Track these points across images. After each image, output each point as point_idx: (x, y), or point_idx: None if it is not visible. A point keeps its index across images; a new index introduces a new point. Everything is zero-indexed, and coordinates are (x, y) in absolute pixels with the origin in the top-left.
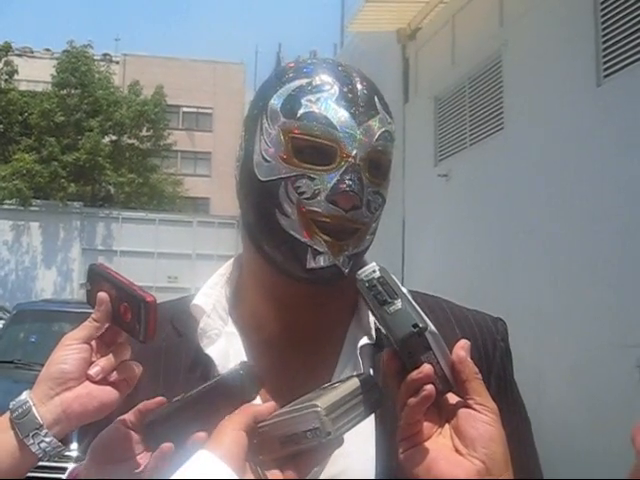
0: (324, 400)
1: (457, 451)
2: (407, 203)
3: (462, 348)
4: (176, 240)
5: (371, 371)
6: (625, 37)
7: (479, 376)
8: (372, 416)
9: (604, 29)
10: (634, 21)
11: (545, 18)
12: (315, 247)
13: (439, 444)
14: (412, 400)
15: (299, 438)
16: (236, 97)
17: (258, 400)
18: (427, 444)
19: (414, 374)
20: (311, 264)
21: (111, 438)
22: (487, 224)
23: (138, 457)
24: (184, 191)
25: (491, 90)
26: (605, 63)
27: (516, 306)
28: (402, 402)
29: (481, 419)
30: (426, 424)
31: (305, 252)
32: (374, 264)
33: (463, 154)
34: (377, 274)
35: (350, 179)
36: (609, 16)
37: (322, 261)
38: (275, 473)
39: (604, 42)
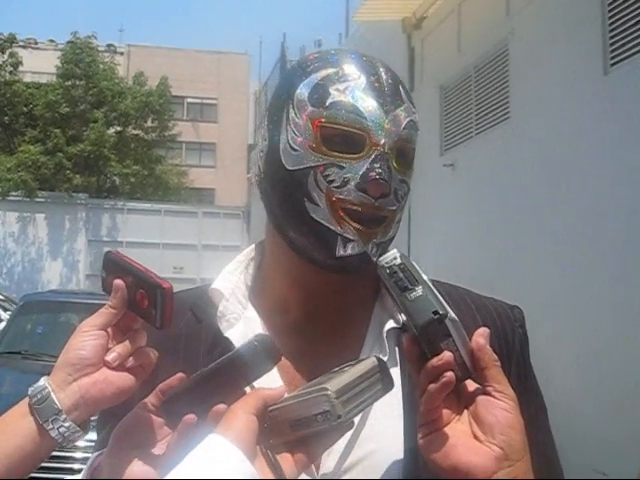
0: (334, 383)
1: (475, 437)
2: (413, 193)
3: (482, 336)
4: (181, 231)
5: (397, 353)
6: (632, 25)
7: (498, 364)
8: (400, 398)
9: (610, 17)
10: None
11: (551, 6)
12: (345, 235)
13: (457, 430)
14: (432, 386)
15: (309, 421)
16: (240, 87)
17: (281, 382)
18: (446, 430)
19: (434, 361)
20: (340, 252)
21: (133, 422)
22: (493, 213)
23: (161, 440)
24: (189, 182)
25: (497, 79)
26: (612, 52)
27: (521, 296)
28: (422, 388)
29: (500, 406)
30: (445, 410)
31: (335, 240)
32: (395, 251)
33: (469, 144)
34: (398, 260)
35: (380, 167)
36: (616, 4)
37: (351, 249)
38: (286, 456)
39: (611, 30)
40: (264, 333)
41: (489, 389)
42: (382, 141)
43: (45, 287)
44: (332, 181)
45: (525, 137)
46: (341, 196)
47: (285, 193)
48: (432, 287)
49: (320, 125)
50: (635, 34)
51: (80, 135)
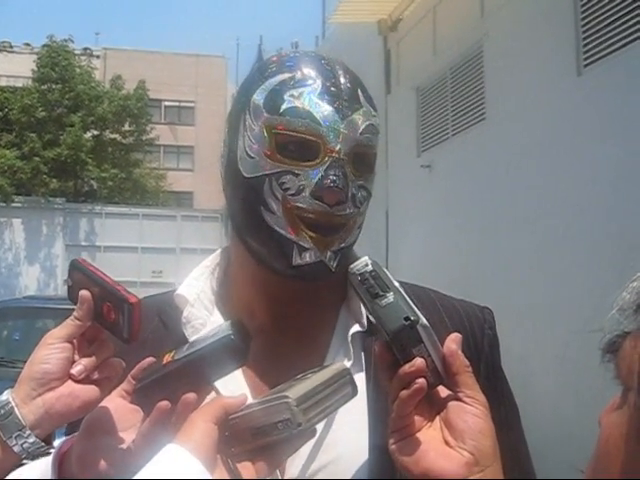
0: (295, 391)
1: (447, 443)
2: (391, 194)
3: (453, 341)
4: (160, 235)
5: (362, 358)
6: (605, 26)
7: (469, 369)
8: (365, 404)
9: (583, 18)
10: (613, 10)
11: (525, 9)
12: (300, 243)
13: (429, 436)
14: (404, 393)
15: (270, 429)
16: (218, 90)
17: (244, 390)
18: (417, 436)
19: (406, 367)
20: (297, 260)
21: (105, 409)
22: (470, 214)
23: (132, 427)
24: (167, 185)
25: (473, 81)
26: (585, 52)
27: (500, 296)
28: (394, 394)
29: (471, 412)
30: (417, 416)
31: (291, 248)
32: (366, 258)
33: (446, 145)
34: (369, 267)
35: (334, 174)
36: (589, 5)
37: (308, 257)
38: (246, 465)
39: (584, 32)
40: (235, 320)
41: (460, 395)
42: (337, 147)
43: (22, 293)
44: (287, 189)
45: (501, 138)
46: (296, 204)
47: (243, 201)
48: (404, 293)
49: (275, 132)
50: (608, 35)
51: (57, 139)
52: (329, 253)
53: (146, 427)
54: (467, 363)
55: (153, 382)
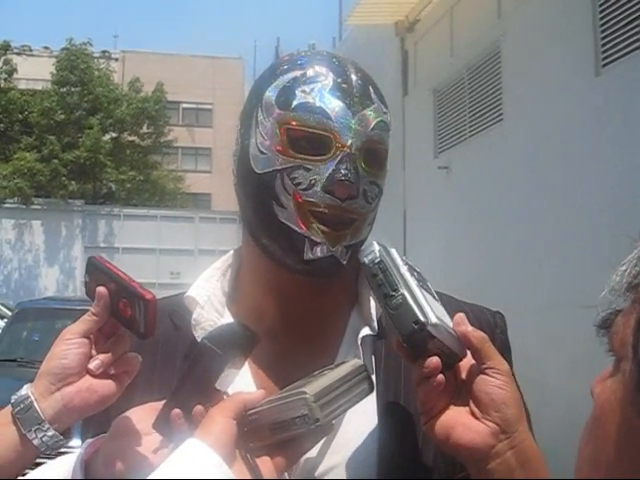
0: (313, 387)
1: (473, 414)
2: (408, 195)
3: (460, 324)
4: (178, 236)
5: (373, 361)
6: (623, 26)
7: (486, 340)
8: (374, 407)
9: (602, 18)
10: (632, 10)
11: (543, 8)
12: (312, 238)
13: (456, 411)
14: (424, 388)
15: (288, 425)
16: (235, 92)
17: (255, 389)
18: (445, 413)
19: (423, 369)
20: (308, 255)
21: (136, 413)
22: (488, 215)
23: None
24: (185, 187)
25: (490, 81)
26: (603, 52)
27: (518, 297)
28: (417, 381)
29: (492, 383)
30: (444, 394)
31: (302, 243)
32: (375, 244)
33: (463, 146)
34: (377, 258)
35: (346, 168)
36: (607, 5)
37: (319, 252)
38: (265, 460)
39: (602, 32)
40: (227, 323)
41: (482, 367)
42: (349, 142)
43: (42, 294)
44: (299, 184)
45: (518, 138)
46: (308, 198)
47: (255, 197)
48: (412, 285)
49: (286, 128)
50: (626, 35)
51: (76, 142)
52: (340, 248)
53: (184, 430)
54: (483, 335)
55: (165, 408)
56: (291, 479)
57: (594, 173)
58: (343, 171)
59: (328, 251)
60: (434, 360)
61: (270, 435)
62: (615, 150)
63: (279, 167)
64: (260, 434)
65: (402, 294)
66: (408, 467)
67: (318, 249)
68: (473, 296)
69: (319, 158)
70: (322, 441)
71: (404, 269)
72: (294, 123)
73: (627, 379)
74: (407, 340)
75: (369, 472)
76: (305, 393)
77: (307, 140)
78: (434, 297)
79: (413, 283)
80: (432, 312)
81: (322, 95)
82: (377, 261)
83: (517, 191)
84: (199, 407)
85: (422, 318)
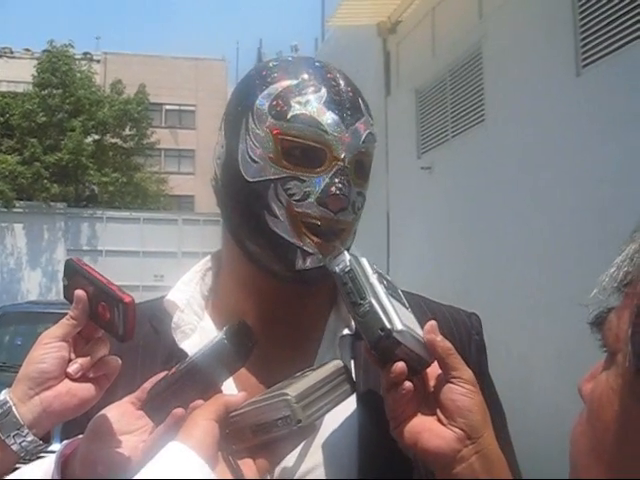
0: (294, 388)
1: (440, 421)
2: (391, 197)
3: (430, 332)
4: (161, 238)
5: (352, 362)
6: (603, 27)
7: (451, 351)
8: (354, 406)
9: (582, 19)
10: (612, 10)
11: (524, 10)
12: (305, 248)
13: (423, 417)
14: (392, 395)
15: (270, 427)
16: (218, 94)
17: (236, 392)
18: (413, 419)
19: (389, 374)
20: (300, 265)
21: (113, 413)
22: (471, 215)
23: (140, 430)
24: (168, 189)
25: (472, 82)
26: (584, 53)
27: (502, 297)
28: (386, 387)
29: (457, 391)
30: (412, 399)
31: (294, 253)
32: (345, 254)
33: (445, 146)
34: (347, 267)
35: (340, 182)
36: (587, 6)
37: (310, 262)
38: (247, 462)
39: (582, 32)
40: (234, 323)
41: (448, 376)
42: (342, 155)
43: (25, 297)
44: (293, 194)
45: (501, 139)
46: (301, 210)
47: (244, 204)
48: (380, 294)
49: (281, 138)
50: (606, 36)
51: (57, 144)
52: (330, 258)
53: (158, 433)
54: (449, 346)
55: (161, 393)
56: None
57: (576, 172)
58: (337, 185)
59: (319, 262)
60: (399, 365)
61: (252, 437)
62: (597, 150)
63: (272, 177)
64: (242, 436)
65: (369, 302)
66: (389, 466)
67: (309, 260)
68: (457, 296)
69: (313, 170)
70: (303, 442)
71: (373, 278)
72: (289, 134)
73: (624, 369)
74: (374, 347)
75: (350, 471)
76: (287, 394)
77: (301, 151)
78: (404, 305)
79: (381, 291)
80: (398, 319)
81: (317, 107)
82: (347, 270)
83: (500, 191)
84: (200, 402)
85: (388, 325)
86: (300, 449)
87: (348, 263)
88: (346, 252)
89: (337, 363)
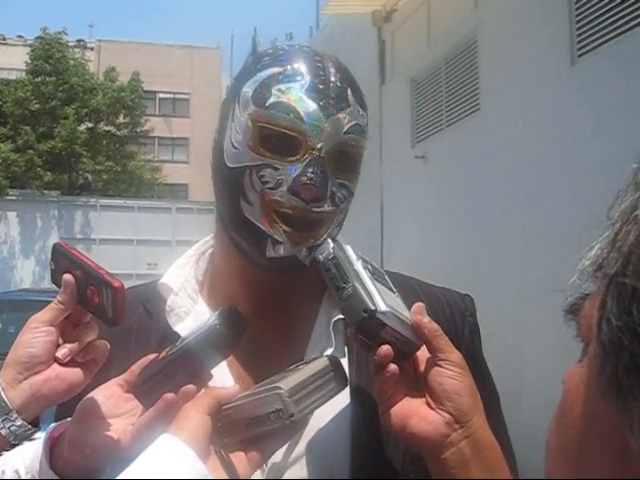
0: (287, 382)
1: (428, 405)
2: (385, 185)
3: (417, 313)
4: (155, 227)
5: (345, 347)
6: (598, 16)
7: (439, 332)
8: (347, 391)
9: (577, 9)
10: (607, 0)
11: None
12: (275, 237)
13: (412, 401)
14: (379, 377)
15: (263, 420)
16: (213, 82)
17: (229, 380)
18: (401, 403)
19: (375, 357)
20: (271, 253)
21: (101, 396)
22: (465, 205)
23: (129, 413)
24: (162, 178)
25: (467, 71)
26: (579, 42)
27: (496, 287)
28: (374, 371)
29: (445, 374)
30: (401, 383)
31: (265, 241)
32: (329, 242)
33: (440, 135)
34: (331, 254)
35: (313, 172)
36: None
37: (282, 251)
38: (239, 455)
39: (578, 22)
40: (225, 308)
41: (435, 359)
42: (318, 145)
43: (18, 286)
44: (266, 182)
45: (495, 128)
46: (274, 197)
47: (224, 190)
48: (364, 278)
49: (259, 125)
50: (601, 25)
51: (51, 132)
52: (303, 249)
53: (148, 417)
54: (436, 327)
55: (151, 377)
56: (266, 479)
57: (570, 162)
58: (309, 174)
59: (290, 251)
60: (384, 348)
61: (244, 430)
62: (591, 139)
63: (248, 163)
64: (234, 429)
65: (352, 285)
66: (381, 456)
67: (281, 248)
68: (451, 283)
69: (288, 159)
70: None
71: (357, 263)
72: (266, 121)
73: (593, 362)
74: (359, 329)
75: (342, 462)
76: (280, 388)
77: (278, 139)
78: (390, 289)
79: (365, 275)
80: (382, 301)
81: (297, 95)
82: (330, 257)
83: (494, 180)
84: (190, 386)
85: (371, 306)
86: (293, 439)
87: (332, 250)
88: (330, 240)
89: (331, 357)
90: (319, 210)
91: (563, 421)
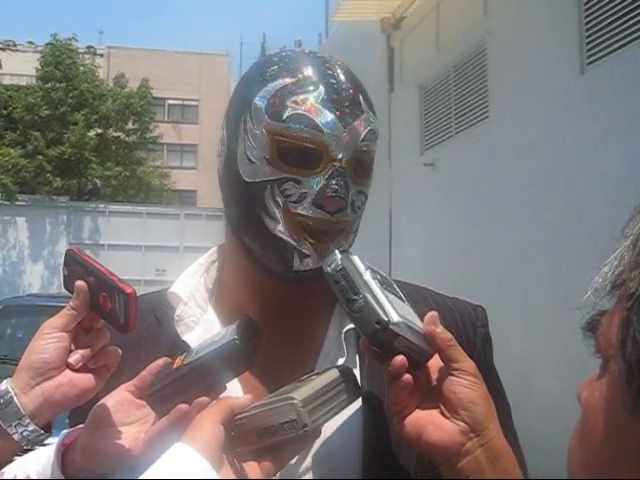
0: (301, 392)
1: (443, 414)
2: (394, 193)
3: (430, 323)
4: (164, 233)
5: (356, 356)
6: (608, 24)
7: (452, 342)
8: (359, 400)
9: (587, 17)
10: (616, 8)
11: (529, 6)
12: (302, 250)
13: (426, 411)
14: (393, 389)
15: (276, 430)
16: (221, 89)
17: (240, 390)
18: (415, 413)
19: (389, 368)
20: (298, 266)
21: (112, 403)
22: (473, 212)
23: (138, 422)
24: (171, 184)
25: (476, 79)
26: (588, 50)
27: (504, 294)
28: (387, 382)
29: (460, 383)
30: (415, 392)
31: (292, 254)
32: (336, 252)
33: (449, 143)
34: (339, 265)
35: (336, 183)
36: (592, 3)
37: (309, 263)
38: (252, 465)
39: (587, 30)
40: (242, 320)
41: (449, 368)
42: (339, 156)
43: (26, 290)
44: (289, 195)
45: (504, 136)
46: (298, 211)
47: (242, 204)
48: (374, 288)
49: (277, 139)
50: (611, 33)
51: (60, 138)
52: (323, 259)
53: (161, 426)
54: (449, 337)
55: (166, 386)
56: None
57: (580, 170)
58: (333, 186)
59: (317, 263)
60: (399, 359)
61: (257, 440)
62: (600, 148)
63: (269, 178)
64: (247, 439)
65: (364, 296)
66: (393, 465)
67: (307, 261)
68: (458, 292)
69: (310, 171)
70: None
71: (366, 274)
72: (285, 135)
73: (615, 379)
74: (372, 341)
75: (354, 472)
76: (293, 398)
77: (298, 152)
78: (400, 298)
79: (375, 286)
80: (394, 311)
81: (314, 107)
82: (339, 268)
83: (502, 188)
84: (205, 399)
85: (384, 317)
86: (306, 450)
87: (340, 262)
88: (337, 251)
89: (344, 367)
90: (342, 219)
91: (586, 438)
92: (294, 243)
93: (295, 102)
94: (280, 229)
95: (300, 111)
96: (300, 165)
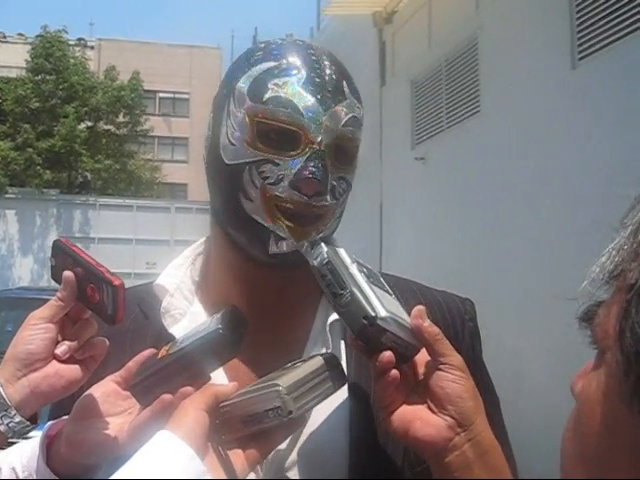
0: (285, 379)
1: (430, 409)
2: (384, 187)
3: (417, 317)
4: (154, 226)
5: (342, 346)
6: (599, 20)
7: (439, 336)
8: (345, 392)
9: (578, 12)
10: (608, 3)
11: (520, 1)
12: (277, 232)
13: (414, 406)
14: (380, 384)
15: (261, 417)
16: (213, 82)
17: (226, 379)
18: (403, 408)
19: (377, 363)
20: (273, 249)
21: (98, 394)
22: (465, 207)
23: (123, 413)
24: (162, 177)
25: (467, 73)
26: (580, 46)
27: (495, 289)
28: (374, 377)
29: (447, 378)
30: (402, 387)
31: (268, 237)
32: (322, 246)
33: (440, 137)
34: (325, 259)
35: (314, 166)
36: None
37: (285, 246)
38: (237, 452)
39: (579, 25)
40: (227, 310)
41: (436, 363)
42: (318, 138)
43: (16, 284)
44: (267, 177)
45: (495, 130)
46: (275, 193)
47: (223, 187)
48: (361, 282)
49: (257, 120)
50: (602, 29)
51: (51, 130)
52: (305, 243)
53: (145, 416)
54: (437, 331)
55: (150, 376)
56: (262, 479)
57: (571, 165)
58: (311, 168)
59: (293, 246)
60: (386, 355)
61: (242, 428)
62: (591, 142)
63: (248, 159)
64: (232, 427)
65: (350, 291)
66: (379, 455)
67: (284, 244)
68: (451, 287)
69: (288, 153)
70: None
71: (353, 267)
72: (264, 116)
73: (612, 370)
74: (360, 336)
75: (340, 460)
76: (278, 385)
77: (277, 134)
78: (387, 292)
79: (362, 280)
80: (381, 306)
81: (294, 89)
82: (325, 262)
83: (494, 182)
84: (189, 388)
85: (371, 312)
86: (290, 438)
87: (326, 255)
88: (323, 244)
89: (328, 354)
90: (320, 204)
91: (581, 429)
92: (270, 225)
93: (276, 84)
94: (257, 211)
95: (281, 94)
96: (279, 147)
